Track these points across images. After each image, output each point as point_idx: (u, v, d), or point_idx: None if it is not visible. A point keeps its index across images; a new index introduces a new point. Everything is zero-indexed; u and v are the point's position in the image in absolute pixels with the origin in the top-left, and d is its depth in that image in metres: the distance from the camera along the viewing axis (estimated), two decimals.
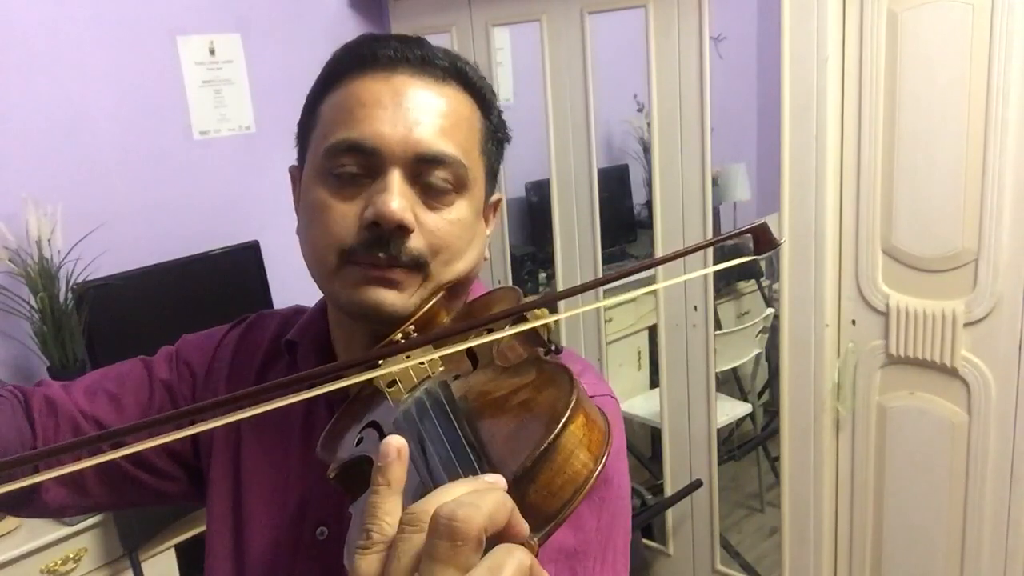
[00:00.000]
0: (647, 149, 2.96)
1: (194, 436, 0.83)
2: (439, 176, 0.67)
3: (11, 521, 1.73)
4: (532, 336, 0.59)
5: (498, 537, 0.40)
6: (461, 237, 0.70)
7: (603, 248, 2.41)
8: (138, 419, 0.80)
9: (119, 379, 0.83)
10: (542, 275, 3.06)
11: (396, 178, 0.66)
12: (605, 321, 2.50)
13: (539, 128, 2.38)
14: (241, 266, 2.39)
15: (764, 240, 0.56)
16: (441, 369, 0.58)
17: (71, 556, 1.83)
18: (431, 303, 0.68)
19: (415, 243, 0.67)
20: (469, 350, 0.60)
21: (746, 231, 0.56)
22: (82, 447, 0.45)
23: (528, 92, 2.41)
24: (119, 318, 2.13)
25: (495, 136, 0.75)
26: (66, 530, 1.82)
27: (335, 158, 0.67)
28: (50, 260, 2.02)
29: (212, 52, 2.43)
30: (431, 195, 0.68)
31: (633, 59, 2.22)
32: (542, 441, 0.46)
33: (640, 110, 3.07)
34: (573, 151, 2.36)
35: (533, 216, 3.08)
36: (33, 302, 2.00)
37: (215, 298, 2.31)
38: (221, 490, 0.80)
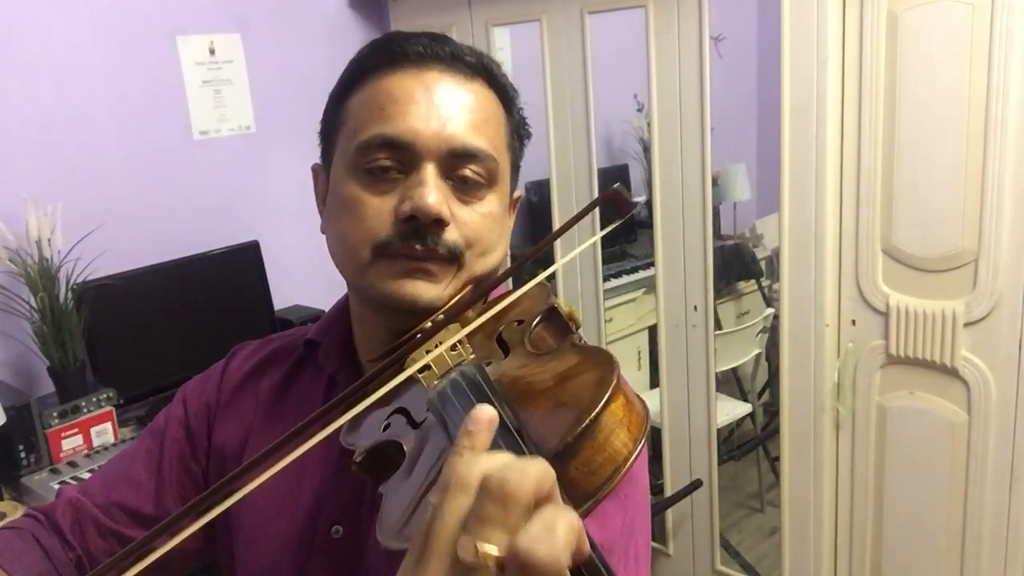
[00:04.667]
0: (647, 149, 2.96)
1: (206, 447, 0.84)
2: (472, 170, 0.68)
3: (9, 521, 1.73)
4: (561, 324, 0.61)
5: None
6: (493, 230, 0.71)
7: (603, 248, 2.41)
8: (153, 482, 0.83)
9: (128, 455, 0.86)
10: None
11: (431, 172, 0.67)
12: (605, 321, 2.50)
13: (539, 128, 2.36)
14: (241, 266, 2.39)
15: (621, 202, 0.58)
16: (473, 356, 0.58)
17: None
18: (461, 295, 0.69)
19: (451, 235, 0.67)
20: (499, 339, 0.61)
21: (601, 201, 0.59)
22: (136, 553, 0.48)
23: (528, 92, 2.40)
24: (119, 318, 2.13)
25: (518, 132, 0.77)
26: None
27: (368, 153, 0.68)
28: (50, 260, 2.02)
29: (212, 52, 2.43)
30: (463, 189, 0.69)
31: (633, 59, 2.22)
32: (584, 417, 0.46)
33: (640, 110, 3.07)
34: (573, 151, 2.36)
35: (533, 216, 3.08)
36: (33, 302, 2.00)
37: (215, 298, 2.31)
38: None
